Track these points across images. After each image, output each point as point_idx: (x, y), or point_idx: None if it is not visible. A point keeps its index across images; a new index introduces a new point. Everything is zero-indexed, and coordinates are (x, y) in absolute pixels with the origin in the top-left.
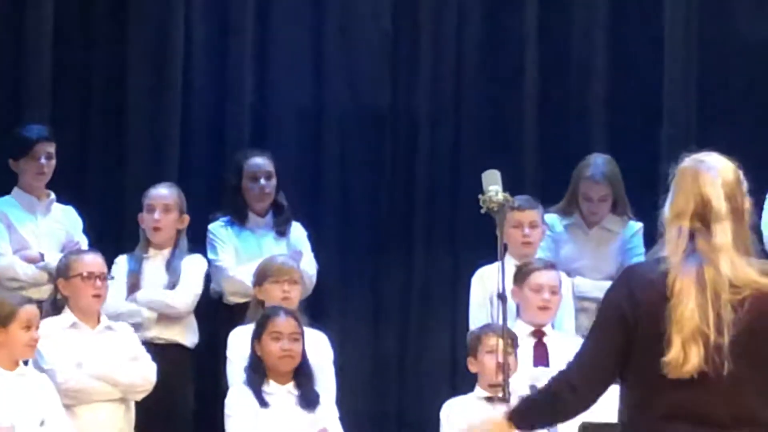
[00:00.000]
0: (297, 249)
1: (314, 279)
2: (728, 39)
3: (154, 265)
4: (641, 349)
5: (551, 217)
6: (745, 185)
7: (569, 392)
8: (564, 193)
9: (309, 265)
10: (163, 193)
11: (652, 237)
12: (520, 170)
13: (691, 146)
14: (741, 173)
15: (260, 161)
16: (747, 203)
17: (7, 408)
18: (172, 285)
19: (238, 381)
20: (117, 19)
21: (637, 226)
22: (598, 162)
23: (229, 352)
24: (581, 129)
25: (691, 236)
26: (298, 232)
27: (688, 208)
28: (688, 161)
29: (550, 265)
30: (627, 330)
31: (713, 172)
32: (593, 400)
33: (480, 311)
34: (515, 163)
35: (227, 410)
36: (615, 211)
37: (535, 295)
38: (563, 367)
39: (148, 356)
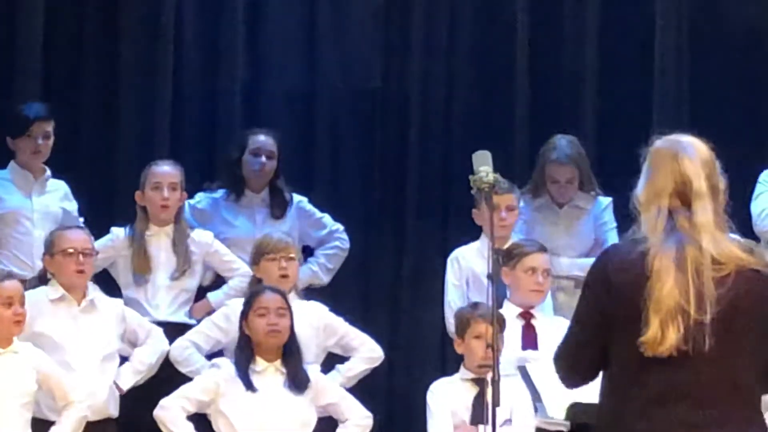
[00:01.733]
0: (316, 217)
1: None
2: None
3: (158, 244)
4: (621, 331)
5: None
6: (719, 165)
7: (592, 347)
8: None
9: (337, 229)
10: (170, 170)
11: (621, 211)
12: (509, 152)
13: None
14: (712, 152)
15: (264, 138)
16: (722, 183)
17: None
18: (182, 269)
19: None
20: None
21: (606, 201)
22: (562, 144)
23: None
24: (572, 107)
25: (670, 215)
26: (294, 215)
27: (667, 187)
28: (664, 141)
29: (543, 248)
30: (607, 321)
31: (691, 151)
32: (582, 385)
33: (456, 292)
34: (505, 145)
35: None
36: (582, 189)
37: (529, 278)
38: (569, 333)
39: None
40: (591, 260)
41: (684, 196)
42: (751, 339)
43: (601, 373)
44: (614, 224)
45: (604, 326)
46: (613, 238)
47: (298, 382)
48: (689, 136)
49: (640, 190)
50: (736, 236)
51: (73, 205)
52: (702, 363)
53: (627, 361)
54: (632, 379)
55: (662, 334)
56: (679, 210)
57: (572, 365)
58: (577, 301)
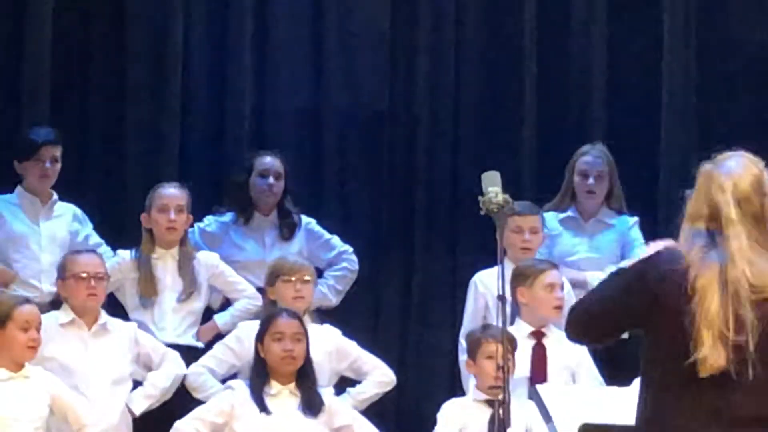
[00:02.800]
0: (324, 239)
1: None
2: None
3: (164, 267)
4: (665, 344)
5: (546, 215)
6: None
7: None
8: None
9: (346, 251)
10: (177, 193)
11: (647, 231)
12: (518, 172)
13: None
14: (764, 172)
15: (271, 160)
16: (766, 203)
17: (7, 410)
18: (188, 291)
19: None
20: (115, 20)
21: (632, 219)
22: (596, 146)
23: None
24: (580, 130)
25: (711, 235)
26: (302, 238)
27: (702, 212)
28: (709, 163)
29: (555, 265)
30: (648, 301)
31: (725, 178)
32: (586, 341)
33: (474, 317)
34: (514, 165)
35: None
36: (609, 205)
37: (549, 294)
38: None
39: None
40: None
41: (719, 221)
42: None
43: (637, 398)
44: (642, 241)
45: (634, 316)
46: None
47: (312, 405)
48: (740, 155)
49: (686, 209)
50: None
51: (86, 228)
52: (744, 385)
53: (672, 380)
54: (681, 400)
55: (717, 352)
56: (718, 232)
57: (589, 321)
58: (613, 277)
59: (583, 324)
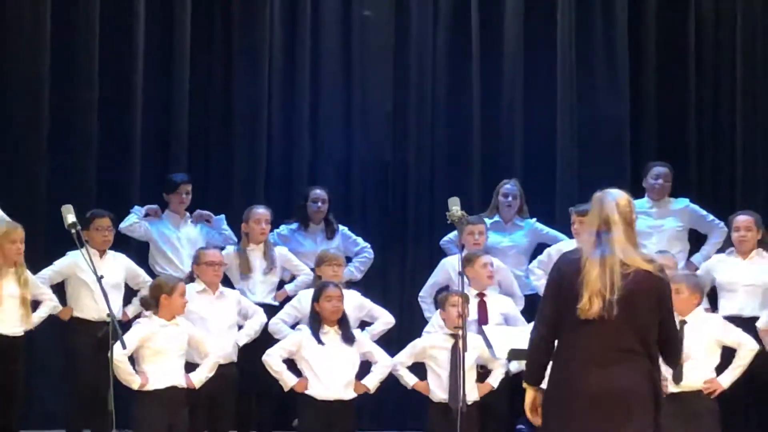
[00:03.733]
0: (353, 239)
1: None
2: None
3: (255, 255)
4: (564, 306)
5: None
6: (634, 206)
7: (540, 340)
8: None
9: (366, 246)
10: (264, 211)
11: (545, 222)
12: (470, 195)
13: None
14: (631, 200)
15: (319, 191)
16: (634, 217)
17: (164, 345)
18: (269, 269)
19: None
20: (225, 89)
21: (533, 220)
22: (513, 180)
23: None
24: (500, 162)
25: (599, 236)
26: (339, 240)
27: (598, 221)
28: (600, 193)
29: (486, 252)
30: (561, 291)
31: (611, 198)
32: (550, 338)
33: (434, 285)
34: (468, 190)
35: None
36: (520, 215)
37: (483, 270)
38: (534, 330)
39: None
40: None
41: (608, 225)
42: (642, 312)
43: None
44: (547, 229)
45: (559, 302)
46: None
47: (348, 338)
48: (616, 189)
49: (586, 221)
50: (648, 251)
51: (213, 232)
52: (611, 325)
53: (567, 323)
54: (568, 336)
55: (590, 304)
56: (605, 233)
57: (552, 326)
58: (545, 287)
59: (553, 330)
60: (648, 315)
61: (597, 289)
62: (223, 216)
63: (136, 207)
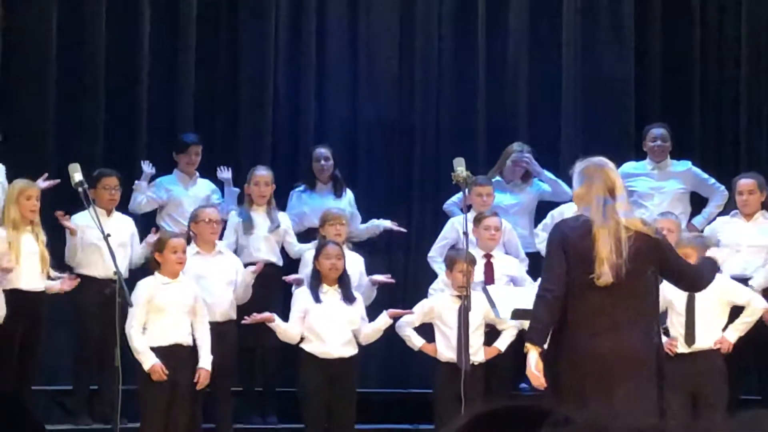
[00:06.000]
0: (352, 212)
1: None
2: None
3: (258, 215)
4: (572, 269)
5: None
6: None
7: (555, 299)
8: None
9: (357, 221)
10: (266, 173)
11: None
12: (475, 157)
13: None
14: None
15: (323, 150)
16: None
17: (168, 302)
18: (273, 227)
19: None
20: (230, 69)
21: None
22: (521, 143)
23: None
24: (505, 124)
25: (605, 203)
26: (350, 196)
27: (604, 187)
28: (592, 162)
29: (495, 213)
30: (566, 256)
31: (612, 166)
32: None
33: (443, 245)
34: (473, 152)
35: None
36: (524, 179)
37: (487, 232)
38: (543, 290)
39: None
40: None
41: (612, 192)
42: (647, 276)
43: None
44: (546, 187)
45: (566, 258)
46: None
47: (348, 297)
48: (603, 157)
49: (581, 189)
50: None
51: (215, 194)
52: (621, 290)
53: (576, 287)
54: (579, 300)
55: (605, 271)
56: (609, 199)
57: (559, 283)
58: (547, 248)
59: (560, 286)
60: (651, 277)
61: (610, 256)
62: (237, 190)
63: (137, 182)
